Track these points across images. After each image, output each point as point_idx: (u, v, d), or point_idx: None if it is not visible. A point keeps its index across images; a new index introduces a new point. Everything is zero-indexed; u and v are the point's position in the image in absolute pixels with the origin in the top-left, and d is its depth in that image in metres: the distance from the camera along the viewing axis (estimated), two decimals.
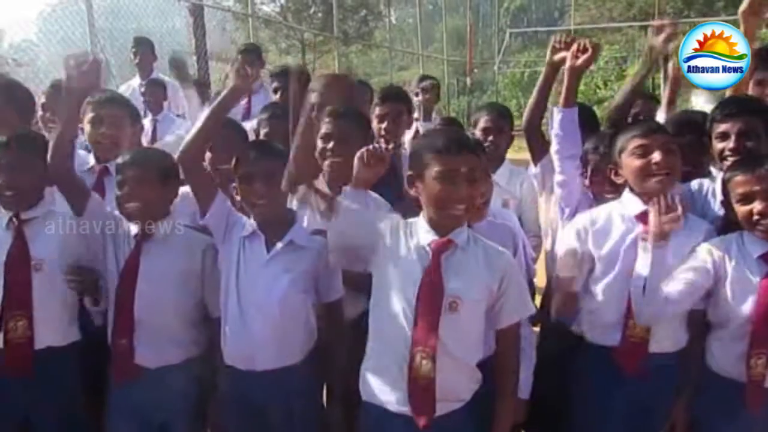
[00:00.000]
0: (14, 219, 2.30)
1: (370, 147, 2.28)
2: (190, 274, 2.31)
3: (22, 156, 2.28)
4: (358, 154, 2.27)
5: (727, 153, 2.34)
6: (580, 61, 2.53)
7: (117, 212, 2.32)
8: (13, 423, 2.30)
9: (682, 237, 2.16)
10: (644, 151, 2.17)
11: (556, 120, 2.53)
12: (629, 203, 2.24)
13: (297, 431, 2.22)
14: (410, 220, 2.04)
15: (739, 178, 2.13)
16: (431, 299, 1.90)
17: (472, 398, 2.00)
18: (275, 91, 3.95)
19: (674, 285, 2.10)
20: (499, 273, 1.96)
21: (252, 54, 5.60)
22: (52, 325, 2.30)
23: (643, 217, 2.17)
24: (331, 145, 2.53)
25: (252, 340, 2.16)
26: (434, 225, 1.96)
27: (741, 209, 2.12)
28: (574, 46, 2.55)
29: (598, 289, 2.26)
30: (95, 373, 2.36)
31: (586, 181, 2.52)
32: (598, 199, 2.46)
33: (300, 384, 2.21)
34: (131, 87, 5.88)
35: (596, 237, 2.25)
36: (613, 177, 2.30)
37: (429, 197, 1.93)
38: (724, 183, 2.19)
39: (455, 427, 1.96)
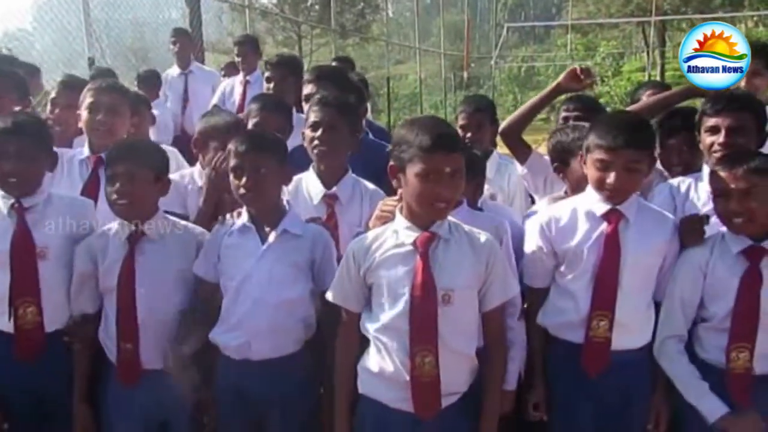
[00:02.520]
0: (16, 206, 2.29)
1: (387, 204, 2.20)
2: (187, 269, 2.29)
3: (28, 143, 2.28)
4: (377, 211, 2.21)
5: (716, 147, 2.34)
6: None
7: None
8: (28, 404, 2.31)
9: (648, 231, 2.16)
10: (604, 166, 2.14)
11: None
12: (594, 201, 2.22)
13: (293, 422, 2.21)
14: (383, 226, 2.04)
15: (719, 174, 2.14)
16: (425, 296, 1.90)
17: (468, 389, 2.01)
18: (268, 80, 3.91)
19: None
20: (485, 257, 1.97)
21: (248, 45, 5.58)
22: (59, 310, 2.30)
23: (607, 216, 2.17)
24: (319, 133, 2.50)
25: (248, 330, 2.15)
26: (415, 220, 1.95)
27: (718, 205, 2.14)
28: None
29: (563, 285, 2.25)
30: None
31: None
32: None
33: (296, 374, 2.20)
34: (169, 75, 5.89)
35: (560, 234, 2.23)
36: (582, 166, 2.27)
37: (410, 193, 1.92)
38: (710, 178, 2.20)
39: (452, 419, 1.97)
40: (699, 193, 2.41)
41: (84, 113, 2.76)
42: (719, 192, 2.12)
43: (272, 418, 2.20)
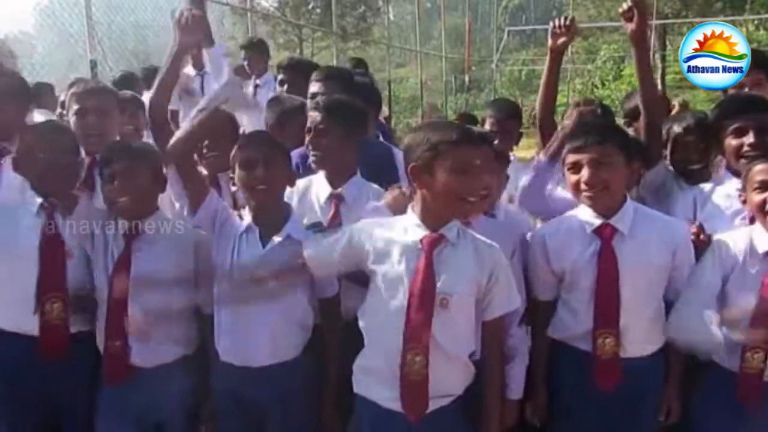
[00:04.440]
0: (45, 205, 2.31)
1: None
2: (183, 270, 2.29)
3: (64, 139, 2.33)
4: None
5: (746, 149, 2.33)
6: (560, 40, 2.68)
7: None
8: (42, 407, 2.31)
9: (647, 241, 2.14)
10: (575, 167, 2.15)
11: None
12: (586, 215, 2.20)
13: (292, 427, 2.21)
14: (394, 218, 2.04)
15: (758, 167, 2.15)
16: (423, 296, 1.89)
17: (463, 393, 2.00)
18: (281, 83, 3.90)
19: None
20: (489, 267, 1.96)
21: (255, 48, 5.59)
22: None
23: (599, 232, 2.16)
24: (310, 137, 2.49)
25: (248, 335, 2.15)
26: (427, 220, 1.95)
27: (756, 198, 2.13)
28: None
29: (566, 301, 2.24)
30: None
31: None
32: None
33: (295, 380, 2.19)
34: (183, 76, 5.86)
35: (555, 251, 2.22)
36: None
37: (439, 191, 1.91)
38: (744, 176, 2.20)
39: (445, 422, 1.96)
40: (719, 196, 2.41)
41: (72, 119, 2.73)
42: (758, 184, 2.12)
43: (271, 424, 2.20)
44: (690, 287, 2.18)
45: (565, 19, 2.75)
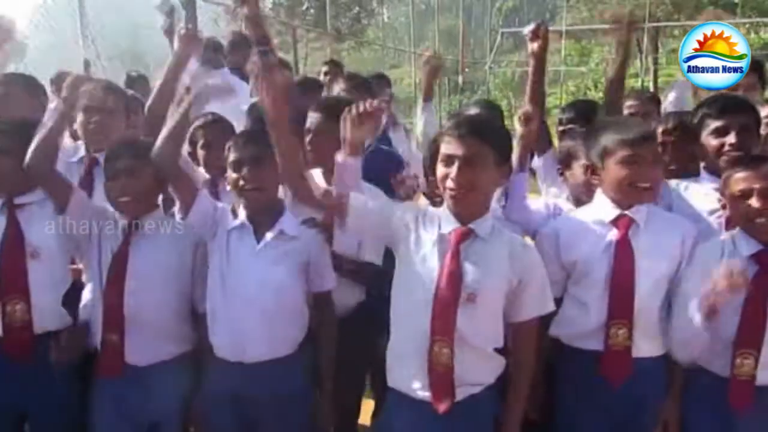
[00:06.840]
0: (7, 204, 2.28)
1: (358, 105, 2.04)
2: (180, 268, 2.28)
3: (6, 141, 2.25)
4: (344, 113, 2.03)
5: (727, 148, 2.31)
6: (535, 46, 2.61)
7: (105, 204, 2.29)
8: (11, 411, 2.28)
9: (660, 235, 2.14)
10: (633, 161, 2.08)
11: None
12: (603, 208, 2.18)
13: (287, 424, 2.20)
14: (433, 209, 2.04)
15: (739, 174, 2.11)
16: (449, 289, 1.89)
17: (494, 381, 2.00)
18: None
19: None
20: (520, 267, 1.94)
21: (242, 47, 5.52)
22: (49, 310, 2.27)
23: (616, 222, 2.14)
24: (308, 138, 2.50)
25: (243, 331, 2.13)
26: (455, 213, 1.94)
27: (739, 206, 2.11)
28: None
29: (575, 296, 2.21)
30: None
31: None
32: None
33: (291, 376, 2.19)
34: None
35: (567, 245, 2.20)
36: (589, 176, 2.24)
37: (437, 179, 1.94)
38: (724, 181, 2.17)
39: (475, 409, 1.96)
40: (694, 194, 2.40)
41: (79, 115, 2.72)
42: (740, 192, 2.09)
43: (266, 421, 2.19)
44: (678, 296, 2.17)
45: (537, 25, 2.67)
